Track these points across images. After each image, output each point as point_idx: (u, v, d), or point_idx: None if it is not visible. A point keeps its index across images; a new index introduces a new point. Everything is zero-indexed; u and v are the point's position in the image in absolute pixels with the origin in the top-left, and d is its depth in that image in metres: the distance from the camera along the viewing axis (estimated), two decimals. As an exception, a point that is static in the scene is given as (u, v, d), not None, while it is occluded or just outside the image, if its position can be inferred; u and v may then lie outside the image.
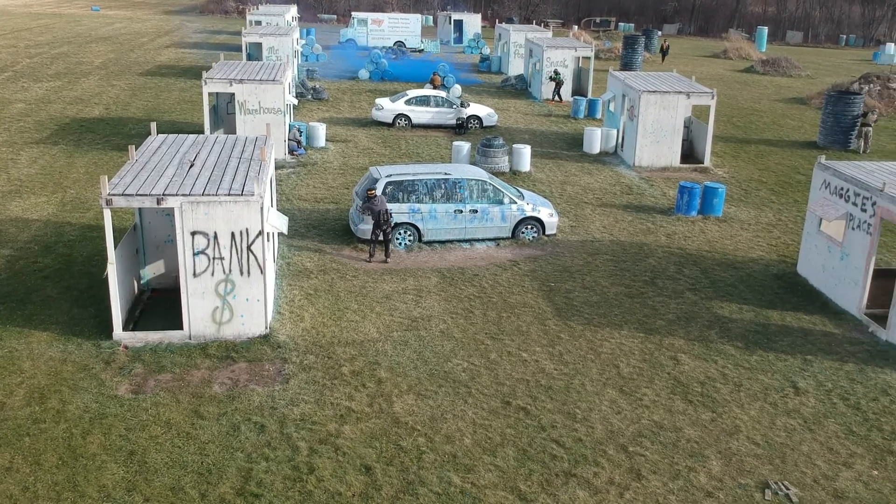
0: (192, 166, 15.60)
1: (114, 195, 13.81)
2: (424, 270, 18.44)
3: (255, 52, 42.93)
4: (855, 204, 16.69)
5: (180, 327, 14.58)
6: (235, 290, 14.46)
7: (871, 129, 30.96)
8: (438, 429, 12.21)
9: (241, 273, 14.39)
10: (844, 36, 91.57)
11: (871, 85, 39.76)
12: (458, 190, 19.88)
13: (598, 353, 14.75)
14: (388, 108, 33.05)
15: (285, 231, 15.74)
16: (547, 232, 20.59)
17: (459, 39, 66.48)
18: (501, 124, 34.15)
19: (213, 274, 14.32)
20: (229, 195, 14.07)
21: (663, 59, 58.02)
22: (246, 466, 11.13)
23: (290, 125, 28.26)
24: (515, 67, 48.73)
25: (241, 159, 16.29)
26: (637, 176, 27.07)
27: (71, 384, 13.06)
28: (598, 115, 36.54)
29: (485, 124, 33.35)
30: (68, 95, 37.55)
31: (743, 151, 31.18)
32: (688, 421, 12.69)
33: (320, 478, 10.94)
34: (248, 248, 14.29)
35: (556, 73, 40.03)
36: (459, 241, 20.13)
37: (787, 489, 11.07)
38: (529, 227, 20.38)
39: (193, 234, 14.07)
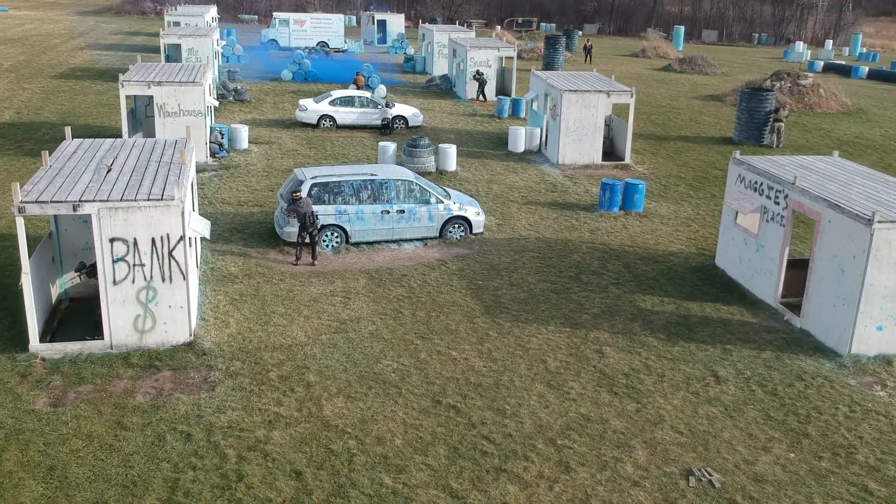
0: (109, 171, 15.19)
1: (27, 202, 13.35)
2: (352, 272, 18.36)
3: (173, 54, 41.97)
4: (769, 197, 17.28)
5: (101, 337, 14.18)
6: (157, 298, 14.13)
7: (783, 124, 32.10)
8: (369, 430, 12.17)
9: (163, 279, 14.07)
10: (757, 35, 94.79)
11: (783, 82, 41.21)
12: (384, 190, 19.84)
13: (526, 349, 14.93)
14: (312, 108, 32.76)
15: (208, 236, 15.47)
16: (474, 231, 20.72)
17: (383, 39, 66.36)
18: (427, 124, 34.21)
19: (133, 281, 13.97)
20: (149, 200, 13.75)
21: (587, 60, 58.57)
22: (172, 477, 10.89)
23: (211, 127, 27.75)
24: (440, 67, 48.88)
25: (161, 163, 15.93)
26: (561, 174, 27.47)
27: (-15, 400, 12.57)
28: (522, 115, 36.92)
29: (410, 124, 33.35)
30: (-24, 100, 36.09)
31: (662, 148, 31.96)
32: (614, 412, 12.95)
33: (249, 485, 10.79)
34: (170, 253, 13.98)
35: (479, 73, 40.30)
36: (387, 241, 20.09)
37: (710, 475, 11.40)
38: (457, 226, 20.47)
39: (112, 240, 13.69)
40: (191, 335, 14.54)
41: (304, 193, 19.01)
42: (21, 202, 13.31)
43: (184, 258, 14.07)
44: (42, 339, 14.16)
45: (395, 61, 55.46)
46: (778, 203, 16.97)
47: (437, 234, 20.40)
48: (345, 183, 19.63)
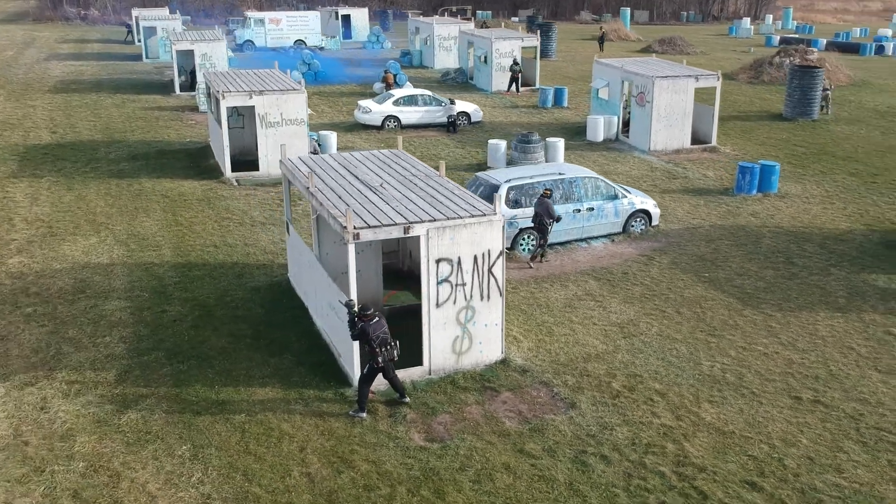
0: (384, 189, 14.41)
1: (360, 228, 12.50)
2: (571, 274, 18.01)
3: (183, 61, 39.75)
4: (975, 170, 17.93)
5: (419, 363, 13.44)
6: (475, 317, 13.51)
7: (829, 92, 33.18)
8: (768, 433, 12.00)
9: (482, 298, 13.47)
10: (685, 13, 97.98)
11: (791, 58, 42.68)
12: (574, 189, 19.54)
13: (823, 338, 15.01)
14: (376, 110, 31.82)
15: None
16: (653, 223, 20.67)
17: (348, 35, 64.91)
18: (485, 119, 33.78)
19: (454, 302, 13.31)
20: (472, 217, 13.12)
21: (602, 48, 57.14)
22: None
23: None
24: (441, 61, 48.43)
25: (420, 177, 15.22)
26: (659, 160, 27.66)
27: (358, 441, 11.74)
28: (565, 104, 36.94)
29: (472, 120, 32.88)
30: (-8, 120, 33.31)
31: (729, 129, 32.51)
32: (968, 392, 13.21)
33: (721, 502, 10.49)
34: (489, 270, 13.39)
35: (516, 63, 39.92)
36: (576, 240, 19.81)
37: None
38: (639, 219, 20.38)
39: (438, 261, 13.00)
40: (502, 352, 13.98)
41: (502, 198, 18.45)
42: (355, 228, 12.46)
43: (501, 274, 13.50)
44: (355, 372, 13.30)
45: (389, 57, 54.13)
46: None
47: (621, 230, 20.26)
48: (538, 184, 19.22)
